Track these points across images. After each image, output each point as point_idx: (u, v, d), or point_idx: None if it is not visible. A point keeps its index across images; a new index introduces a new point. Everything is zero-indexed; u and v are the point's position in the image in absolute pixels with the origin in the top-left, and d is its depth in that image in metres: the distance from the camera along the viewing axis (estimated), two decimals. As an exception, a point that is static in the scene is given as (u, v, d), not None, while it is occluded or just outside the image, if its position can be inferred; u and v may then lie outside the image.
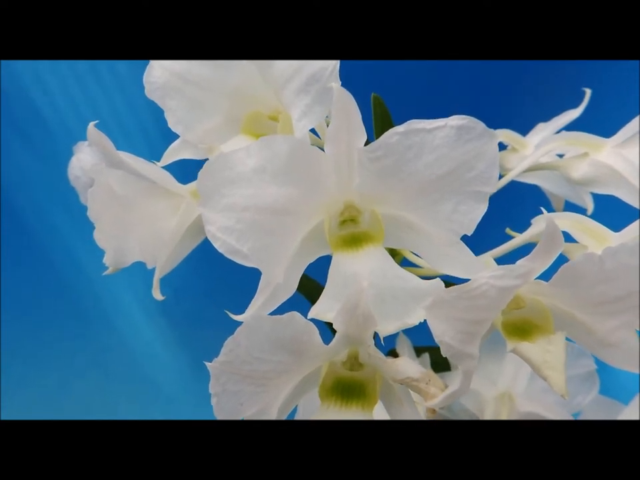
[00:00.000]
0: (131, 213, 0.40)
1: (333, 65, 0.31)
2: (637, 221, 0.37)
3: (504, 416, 0.45)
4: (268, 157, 0.29)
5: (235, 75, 0.37)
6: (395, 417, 0.34)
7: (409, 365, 0.31)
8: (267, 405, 0.31)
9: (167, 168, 0.40)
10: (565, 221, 0.40)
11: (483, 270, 0.31)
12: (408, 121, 0.29)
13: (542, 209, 0.28)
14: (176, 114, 0.38)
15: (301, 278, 0.58)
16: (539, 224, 0.41)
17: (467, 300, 0.28)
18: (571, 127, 0.53)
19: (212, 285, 1.07)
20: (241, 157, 0.30)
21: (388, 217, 0.33)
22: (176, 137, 0.41)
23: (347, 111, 0.29)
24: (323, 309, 0.31)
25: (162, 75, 0.38)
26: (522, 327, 0.33)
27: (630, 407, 0.49)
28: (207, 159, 0.40)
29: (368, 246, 0.33)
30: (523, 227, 0.43)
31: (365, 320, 0.29)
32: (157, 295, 0.40)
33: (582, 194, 0.50)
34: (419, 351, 0.52)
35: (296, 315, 0.29)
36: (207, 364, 0.29)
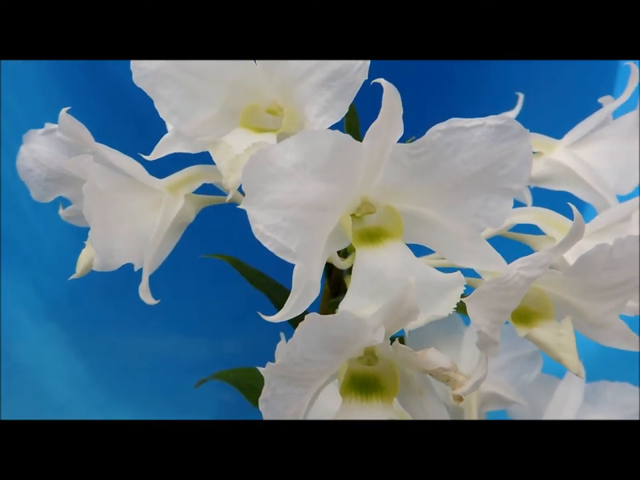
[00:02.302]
0: (113, 210, 0.37)
1: (362, 61, 0.31)
2: (599, 215, 0.42)
3: (473, 398, 0.48)
4: (307, 153, 0.29)
5: (236, 65, 0.36)
6: (413, 407, 0.34)
7: (438, 355, 0.32)
8: (302, 405, 0.31)
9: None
10: (533, 215, 0.44)
11: (501, 261, 0.33)
12: (449, 119, 0.29)
13: (571, 206, 0.31)
14: (170, 104, 0.36)
15: (260, 277, 0.57)
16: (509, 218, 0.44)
17: (503, 291, 0.30)
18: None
19: (111, 285, 1.00)
20: (280, 151, 0.29)
21: (403, 213, 0.34)
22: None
23: (392, 108, 0.29)
24: (353, 305, 0.31)
25: (153, 61, 0.35)
26: (522, 314, 0.36)
27: (564, 380, 0.54)
28: (200, 153, 0.38)
29: (388, 241, 0.33)
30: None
31: (408, 314, 0.30)
32: (148, 298, 0.37)
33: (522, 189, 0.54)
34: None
35: (346, 312, 0.28)
36: (261, 369, 0.28)
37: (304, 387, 0.29)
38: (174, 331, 1.04)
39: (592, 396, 0.53)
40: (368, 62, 0.31)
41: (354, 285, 0.32)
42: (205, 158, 0.41)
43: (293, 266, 0.40)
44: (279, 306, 0.55)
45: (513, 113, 0.57)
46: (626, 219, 0.39)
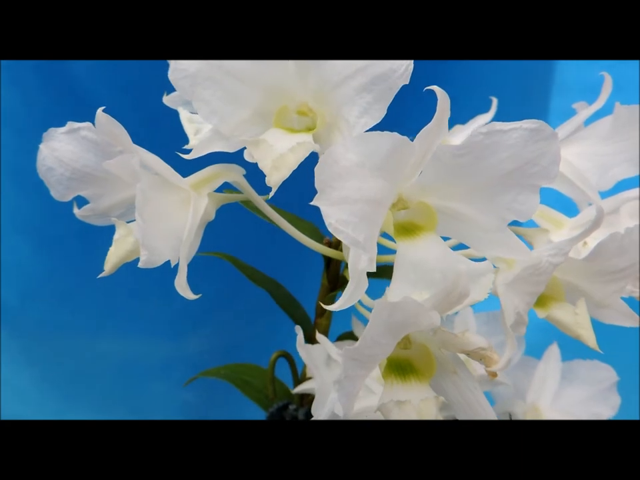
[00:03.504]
0: (152, 209, 0.37)
1: (405, 66, 0.34)
2: (587, 209, 0.47)
3: (471, 379, 0.51)
4: (366, 153, 0.31)
5: (273, 68, 0.37)
6: (446, 386, 0.37)
7: (476, 337, 0.35)
8: (361, 386, 0.33)
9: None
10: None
11: (526, 250, 0.37)
12: (490, 122, 0.33)
13: (592, 201, 0.34)
14: (210, 104, 0.37)
15: (258, 274, 0.58)
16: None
17: (536, 276, 0.34)
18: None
19: (65, 289, 0.98)
20: (341, 151, 0.31)
21: (434, 208, 0.37)
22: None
23: (444, 113, 0.32)
24: (398, 293, 0.34)
25: (194, 63, 0.36)
26: (538, 298, 0.39)
27: (543, 360, 0.59)
28: (237, 152, 0.39)
29: (424, 234, 0.36)
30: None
31: (458, 299, 0.32)
32: (188, 294, 0.38)
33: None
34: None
35: (408, 298, 0.31)
36: (338, 353, 0.30)
37: (367, 369, 0.32)
38: (133, 332, 1.02)
39: (568, 373, 0.58)
40: (411, 67, 0.34)
41: (397, 274, 0.35)
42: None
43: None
44: (278, 300, 0.57)
45: (489, 116, 0.62)
46: (613, 211, 0.44)
